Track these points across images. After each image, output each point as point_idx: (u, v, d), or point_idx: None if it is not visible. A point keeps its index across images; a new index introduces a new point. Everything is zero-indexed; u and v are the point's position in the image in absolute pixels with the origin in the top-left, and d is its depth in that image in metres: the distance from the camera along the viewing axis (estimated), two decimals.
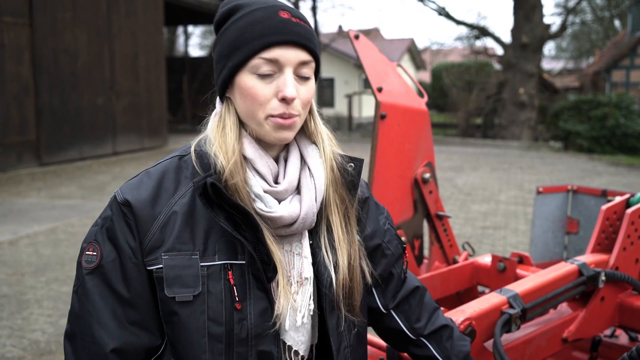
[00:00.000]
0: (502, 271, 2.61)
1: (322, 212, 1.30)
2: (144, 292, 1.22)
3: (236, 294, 1.19)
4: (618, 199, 2.44)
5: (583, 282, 2.12)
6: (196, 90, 25.05)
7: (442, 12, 25.35)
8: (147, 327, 1.23)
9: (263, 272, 1.20)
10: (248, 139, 1.25)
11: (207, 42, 41.19)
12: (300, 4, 28.21)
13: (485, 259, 2.74)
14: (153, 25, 17.27)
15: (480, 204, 9.78)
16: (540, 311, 2.01)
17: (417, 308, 1.50)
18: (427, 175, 2.81)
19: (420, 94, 2.86)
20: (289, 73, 1.20)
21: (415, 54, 36.70)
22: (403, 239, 2.73)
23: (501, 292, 1.93)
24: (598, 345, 2.46)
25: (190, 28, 33.59)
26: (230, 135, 1.23)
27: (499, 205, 9.73)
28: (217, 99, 1.31)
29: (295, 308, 1.24)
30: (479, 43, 29.61)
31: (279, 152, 1.30)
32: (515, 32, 22.57)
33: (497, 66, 29.48)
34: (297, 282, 1.26)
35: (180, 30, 32.02)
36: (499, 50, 27.74)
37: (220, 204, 1.19)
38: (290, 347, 1.26)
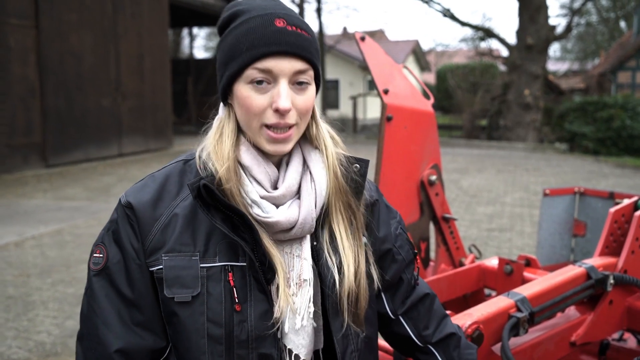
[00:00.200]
0: (509, 274, 2.59)
1: (325, 217, 1.29)
2: (148, 293, 1.23)
3: (236, 296, 1.20)
4: (626, 201, 2.43)
5: (591, 285, 2.11)
6: (201, 92, 25.09)
7: (447, 14, 25.34)
8: (152, 328, 1.24)
9: (262, 274, 1.20)
10: (246, 145, 1.26)
11: (212, 44, 41.27)
12: (305, 5, 28.25)
13: (492, 262, 2.73)
14: (158, 27, 17.31)
15: (486, 206, 9.76)
16: (548, 314, 2.00)
17: (426, 315, 1.49)
18: (434, 177, 2.80)
19: (427, 96, 2.86)
20: (283, 83, 1.19)
21: (420, 56, 36.68)
22: None
23: (509, 295, 1.92)
24: (606, 349, 2.44)
25: (195, 30, 33.63)
26: (227, 142, 1.23)
27: (504, 207, 9.71)
28: (221, 103, 1.32)
29: (294, 310, 1.24)
30: (484, 44, 29.61)
31: (282, 156, 1.29)
32: (520, 33, 22.53)
33: (502, 68, 29.45)
34: (296, 284, 1.25)
35: (185, 32, 32.13)
36: (504, 52, 27.70)
37: (217, 206, 1.20)
38: (290, 351, 1.25)
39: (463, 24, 25.83)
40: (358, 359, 1.32)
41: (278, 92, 1.19)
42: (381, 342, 1.84)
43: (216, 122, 1.30)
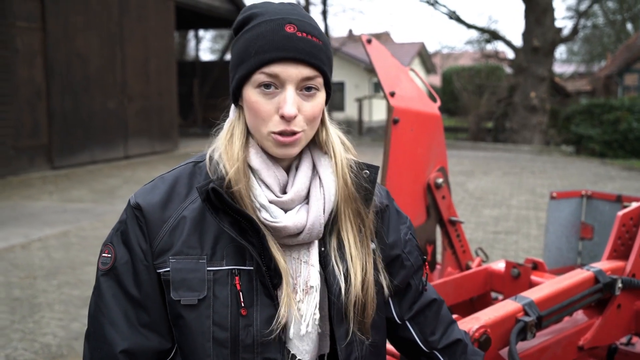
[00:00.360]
0: (516, 277, 2.58)
1: (334, 224, 1.28)
2: (155, 294, 1.23)
3: (242, 300, 1.19)
4: (634, 204, 2.42)
5: (599, 289, 2.09)
6: (207, 94, 25.13)
7: (453, 16, 25.31)
8: (158, 329, 1.24)
9: (269, 279, 1.20)
10: (255, 148, 1.25)
11: (217, 46, 41.35)
12: (311, 8, 28.27)
13: (499, 265, 2.72)
14: (164, 30, 17.36)
15: (492, 209, 9.74)
16: (556, 319, 1.99)
17: (433, 321, 1.47)
18: (440, 180, 2.79)
19: (433, 99, 2.85)
20: (289, 90, 1.18)
21: (425, 58, 36.66)
22: None
23: (516, 299, 1.91)
24: (614, 353, 2.43)
25: (201, 32, 33.72)
26: (237, 144, 1.23)
27: (510, 210, 9.68)
28: (232, 105, 1.31)
29: (300, 316, 1.23)
30: (489, 47, 29.56)
31: (292, 161, 1.29)
32: (526, 35, 22.48)
33: (508, 70, 29.37)
34: (303, 290, 1.24)
35: (191, 34, 32.19)
36: (510, 54, 27.64)
37: (225, 210, 1.20)
38: (294, 356, 1.25)
39: (469, 26, 25.80)
40: None
41: (284, 98, 1.18)
42: (388, 346, 1.84)
43: (227, 124, 1.30)
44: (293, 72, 1.18)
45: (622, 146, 18.47)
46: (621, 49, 29.94)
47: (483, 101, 27.18)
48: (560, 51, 51.55)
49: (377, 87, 28.26)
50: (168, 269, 1.21)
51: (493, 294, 2.82)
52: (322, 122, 1.30)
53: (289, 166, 1.29)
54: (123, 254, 1.24)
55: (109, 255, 1.25)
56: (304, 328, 1.23)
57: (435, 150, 2.80)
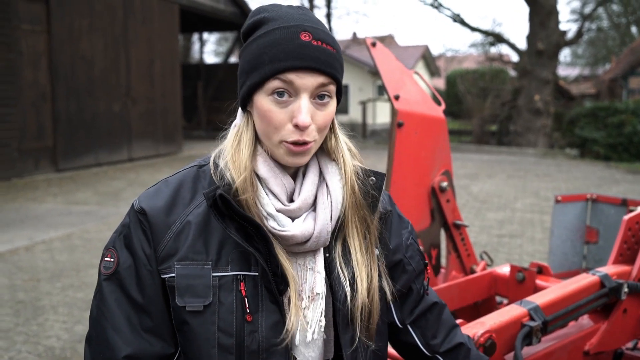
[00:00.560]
0: (521, 281, 2.57)
1: (340, 230, 1.28)
2: (158, 299, 1.22)
3: (247, 306, 1.18)
4: None
5: (605, 293, 2.08)
6: (211, 96, 25.16)
7: (457, 19, 25.31)
8: (161, 334, 1.24)
9: (275, 285, 1.19)
10: (263, 156, 1.24)
11: (222, 49, 41.44)
12: (315, 11, 28.31)
13: (504, 269, 2.71)
14: (168, 32, 17.39)
15: (496, 212, 9.71)
16: (562, 323, 1.98)
17: (434, 324, 1.47)
18: (445, 183, 2.78)
19: (437, 102, 2.84)
20: (304, 99, 1.17)
21: (429, 61, 36.66)
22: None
23: (521, 304, 1.90)
24: (620, 358, 2.41)
25: (205, 35, 33.79)
26: (244, 151, 1.22)
27: (515, 213, 9.66)
28: (239, 110, 1.30)
29: (305, 323, 1.22)
30: (493, 50, 29.49)
31: (298, 167, 1.28)
32: (530, 38, 22.46)
33: (512, 73, 29.34)
34: (309, 297, 1.24)
35: (195, 37, 32.22)
36: (514, 57, 27.66)
37: (231, 216, 1.19)
38: None
39: (473, 29, 25.79)
40: None
41: (299, 107, 1.17)
42: (391, 350, 1.83)
43: (234, 129, 1.28)
44: (308, 81, 1.17)
45: (626, 149, 18.42)
46: (626, 52, 29.85)
47: (487, 104, 27.13)
48: (565, 54, 51.55)
49: (381, 90, 28.30)
50: (173, 274, 1.20)
51: (498, 298, 2.81)
52: (332, 128, 1.29)
53: (296, 172, 1.28)
54: (126, 258, 1.23)
55: (112, 260, 1.24)
56: (310, 335, 1.23)
57: (439, 153, 2.79)
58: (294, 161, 1.21)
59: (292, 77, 1.16)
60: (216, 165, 1.25)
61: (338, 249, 1.28)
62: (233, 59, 27.35)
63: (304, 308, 1.23)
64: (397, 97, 2.56)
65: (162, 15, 16.98)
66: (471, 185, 12.42)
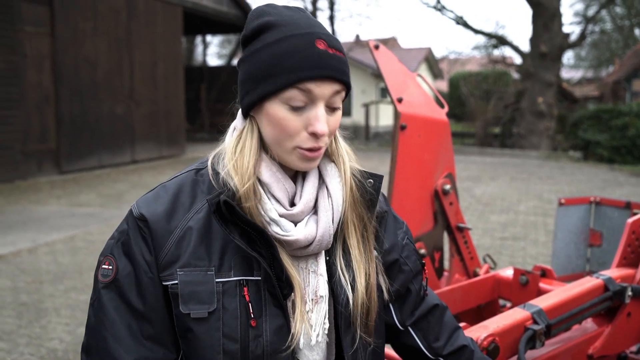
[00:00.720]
0: (525, 285, 2.56)
1: (340, 231, 1.28)
2: (159, 306, 1.21)
3: (251, 311, 1.18)
4: None
5: (609, 297, 2.08)
6: (214, 99, 25.19)
7: (460, 21, 25.31)
8: (162, 341, 1.22)
9: (279, 289, 1.18)
10: (266, 162, 1.23)
11: (225, 51, 41.49)
12: (318, 13, 28.33)
13: (507, 272, 2.70)
14: (172, 35, 17.43)
15: (499, 215, 9.70)
16: (565, 327, 1.97)
17: (436, 326, 1.46)
18: (448, 186, 2.77)
19: (441, 104, 2.84)
20: (321, 107, 1.18)
21: (432, 63, 36.64)
22: (423, 251, 2.70)
23: (525, 307, 1.90)
24: None
25: (208, 37, 33.83)
26: (248, 159, 1.20)
27: (518, 215, 9.64)
28: (239, 113, 1.29)
29: (309, 327, 1.22)
30: (497, 52, 29.50)
31: (298, 171, 1.28)
32: (534, 41, 22.45)
33: (516, 75, 29.33)
34: (312, 300, 1.24)
35: (198, 39, 32.28)
36: (518, 60, 27.60)
37: (235, 221, 1.18)
38: None
39: (476, 31, 25.79)
40: None
41: (316, 115, 1.17)
42: (393, 354, 1.82)
43: (234, 134, 1.26)
44: (326, 89, 1.17)
45: (630, 152, 18.37)
46: (629, 54, 29.83)
47: (490, 107, 27.11)
48: (568, 57, 51.53)
49: (384, 92, 28.26)
50: (176, 281, 1.18)
51: (501, 302, 2.80)
52: None
53: (295, 175, 1.28)
54: (125, 265, 1.21)
55: (110, 267, 1.22)
56: (314, 338, 1.22)
57: (442, 156, 2.78)
58: (306, 166, 1.21)
59: (311, 86, 1.15)
60: (215, 169, 1.24)
61: (339, 251, 1.28)
62: (236, 62, 27.37)
63: (308, 311, 1.22)
64: (400, 100, 2.55)
65: (165, 17, 17.01)
66: (474, 188, 12.40)
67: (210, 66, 29.40)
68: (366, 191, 1.31)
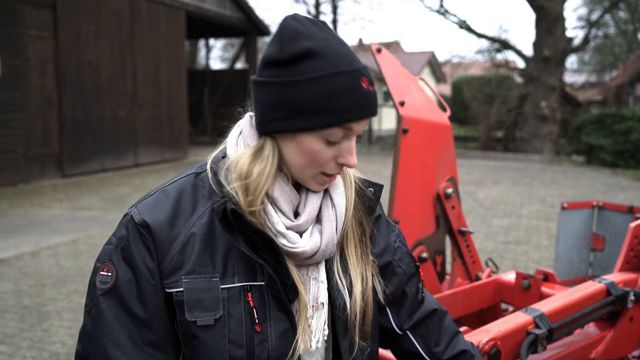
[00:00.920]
0: (527, 289, 2.56)
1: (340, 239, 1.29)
2: (161, 313, 1.19)
3: (256, 316, 1.18)
4: None
5: (611, 301, 2.07)
6: (217, 102, 25.20)
7: (463, 25, 25.31)
8: (163, 347, 1.21)
9: (284, 294, 1.18)
10: (279, 182, 1.22)
11: (228, 55, 41.56)
12: (321, 17, 28.35)
13: (509, 276, 2.69)
14: (175, 38, 17.46)
15: (502, 219, 9.69)
16: (567, 331, 1.96)
17: (436, 331, 1.46)
18: (450, 190, 2.77)
19: (443, 108, 2.84)
20: (354, 140, 1.21)
21: (435, 67, 36.67)
22: (425, 255, 2.70)
23: (527, 311, 1.89)
24: None
25: (211, 41, 33.86)
26: (264, 184, 1.18)
27: (520, 219, 9.62)
28: (248, 120, 1.26)
29: (310, 332, 1.22)
30: (500, 56, 29.48)
31: None
32: (537, 45, 22.44)
33: (519, 79, 29.31)
34: (313, 306, 1.24)
35: (201, 43, 32.32)
36: (521, 64, 27.58)
37: (240, 228, 1.17)
38: None
39: (479, 35, 25.79)
40: None
41: (349, 148, 1.20)
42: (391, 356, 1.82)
43: (245, 148, 1.23)
44: (363, 124, 1.20)
45: (633, 156, 18.34)
46: (633, 58, 29.81)
47: (493, 110, 27.09)
48: (571, 61, 51.43)
49: (387, 96, 28.25)
50: (181, 289, 1.16)
51: (503, 306, 2.79)
52: None
53: (298, 184, 1.27)
54: (125, 272, 1.18)
55: (109, 274, 1.20)
56: (314, 344, 1.23)
57: (445, 160, 2.78)
58: (321, 188, 1.25)
59: (354, 125, 1.18)
60: (216, 176, 1.22)
61: (336, 256, 1.28)
62: (239, 65, 27.41)
63: (309, 317, 1.23)
64: (402, 104, 2.55)
65: (168, 21, 17.05)
66: (477, 192, 12.39)
67: (213, 70, 29.41)
68: (366, 197, 1.32)
